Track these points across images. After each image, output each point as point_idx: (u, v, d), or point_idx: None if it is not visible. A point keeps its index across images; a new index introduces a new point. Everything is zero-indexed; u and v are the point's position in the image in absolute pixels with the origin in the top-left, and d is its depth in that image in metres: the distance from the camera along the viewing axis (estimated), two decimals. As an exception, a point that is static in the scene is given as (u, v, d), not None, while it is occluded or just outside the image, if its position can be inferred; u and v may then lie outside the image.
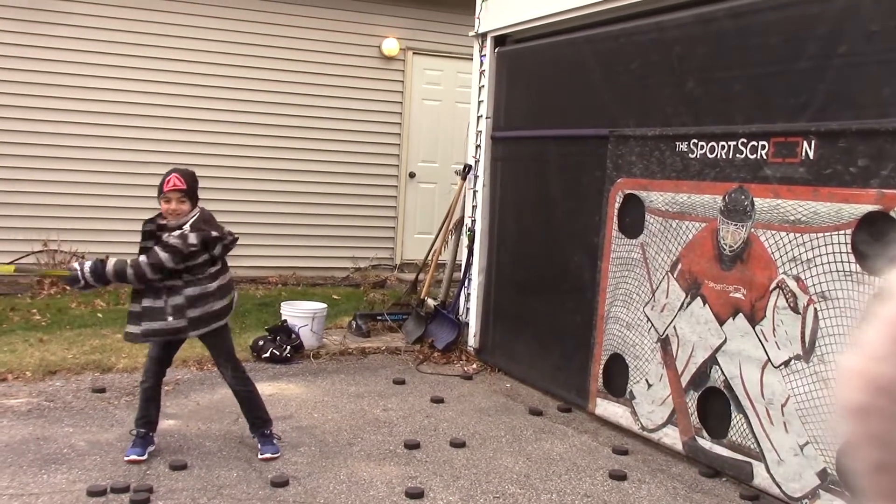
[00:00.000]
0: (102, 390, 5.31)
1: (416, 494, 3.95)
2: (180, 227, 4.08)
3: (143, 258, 4.04)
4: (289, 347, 6.27)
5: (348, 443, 4.65)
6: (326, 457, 4.41)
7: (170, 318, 4.11)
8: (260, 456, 4.23)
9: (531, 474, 4.34)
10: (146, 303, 4.12)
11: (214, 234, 4.14)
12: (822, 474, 3.83)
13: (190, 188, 4.15)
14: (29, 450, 4.28)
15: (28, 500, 3.70)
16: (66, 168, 8.34)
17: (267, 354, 6.21)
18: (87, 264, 4.05)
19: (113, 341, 6.33)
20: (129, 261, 4.06)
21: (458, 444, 4.69)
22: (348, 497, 3.92)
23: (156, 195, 4.20)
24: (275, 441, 4.34)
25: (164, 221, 4.16)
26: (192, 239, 4.05)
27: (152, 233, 4.17)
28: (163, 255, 4.00)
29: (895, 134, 3.55)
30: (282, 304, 6.83)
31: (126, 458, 4.17)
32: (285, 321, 6.51)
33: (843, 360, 0.73)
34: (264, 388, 5.24)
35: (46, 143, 8.26)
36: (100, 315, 7.16)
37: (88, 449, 4.33)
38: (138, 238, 4.31)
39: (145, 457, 4.20)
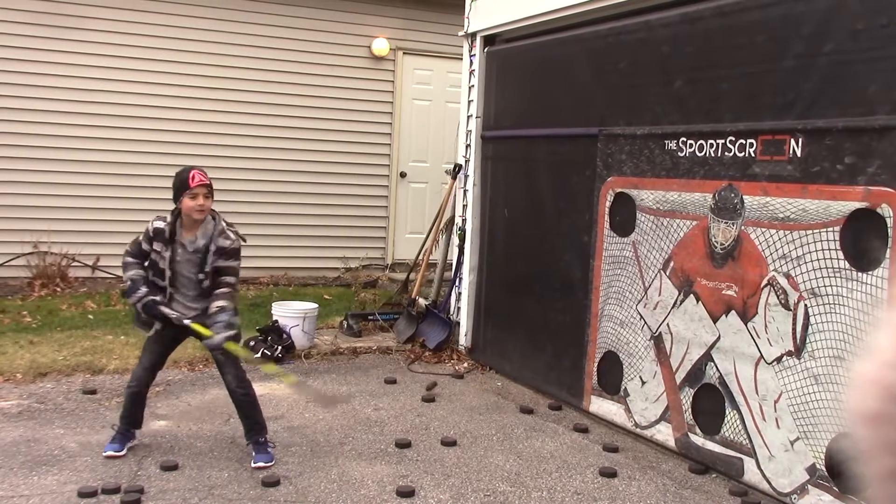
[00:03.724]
0: (93, 392, 5.30)
1: (407, 493, 3.95)
2: (222, 229, 4.13)
3: (231, 278, 4.14)
4: (280, 348, 6.27)
5: (339, 442, 4.65)
6: (317, 456, 4.41)
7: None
8: (253, 464, 4.19)
9: (522, 472, 4.35)
10: (196, 310, 4.21)
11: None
12: (812, 469, 3.85)
13: (211, 184, 4.18)
14: (20, 451, 4.27)
15: (18, 502, 3.69)
16: (57, 170, 8.31)
17: (258, 355, 6.19)
18: (235, 319, 4.13)
19: (103, 343, 6.31)
20: (226, 290, 4.12)
21: (449, 443, 4.69)
22: (339, 496, 3.92)
23: (172, 194, 4.17)
24: (269, 449, 4.30)
25: (187, 237, 4.13)
26: (240, 242, 4.21)
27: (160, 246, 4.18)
28: (236, 263, 4.17)
29: (881, 131, 3.58)
30: (273, 304, 6.82)
31: (104, 454, 4.19)
32: (276, 321, 6.50)
33: (857, 366, 0.73)
34: (255, 389, 5.23)
35: (36, 145, 8.23)
36: (90, 317, 7.14)
37: (79, 450, 4.32)
38: (128, 239, 4.30)
39: (123, 452, 4.22)
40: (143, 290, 4.14)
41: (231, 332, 4.09)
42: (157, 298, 4.13)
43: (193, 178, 4.06)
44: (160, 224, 4.17)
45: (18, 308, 7.29)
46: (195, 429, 4.74)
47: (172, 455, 4.29)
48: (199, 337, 4.16)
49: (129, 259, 4.22)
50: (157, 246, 4.16)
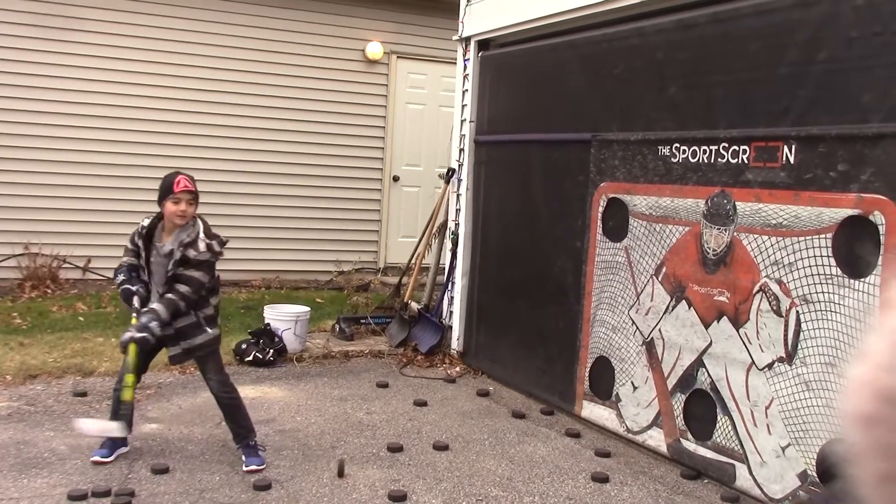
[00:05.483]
0: (84, 394, 5.27)
1: (399, 497, 3.95)
2: (192, 240, 4.04)
3: (184, 288, 4.01)
4: (272, 351, 6.25)
5: (331, 446, 4.64)
6: (309, 460, 4.40)
7: (208, 330, 4.17)
8: (245, 468, 4.17)
9: (514, 477, 4.35)
10: (180, 323, 4.12)
11: (224, 238, 4.21)
12: (803, 476, 3.86)
13: (197, 192, 4.15)
14: (9, 454, 4.24)
15: (8, 505, 3.67)
16: (48, 171, 8.27)
17: (250, 358, 6.18)
18: (152, 325, 3.95)
19: (94, 345, 6.28)
20: (172, 297, 4.00)
21: (441, 447, 4.69)
22: (331, 500, 3.91)
23: (156, 197, 4.14)
24: (260, 452, 4.28)
25: (165, 240, 4.09)
26: (217, 247, 4.11)
27: (146, 247, 4.15)
28: (198, 274, 4.05)
29: (874, 139, 3.59)
30: (265, 307, 6.80)
31: (91, 459, 4.19)
32: (268, 324, 6.49)
33: (850, 369, 0.73)
34: (247, 392, 5.22)
35: (27, 146, 8.19)
36: (81, 318, 7.11)
37: (69, 453, 4.29)
38: (119, 241, 4.28)
39: (112, 458, 4.21)
40: (121, 277, 4.18)
41: (137, 335, 3.97)
42: (133, 288, 4.12)
43: (178, 183, 4.05)
44: (146, 223, 4.21)
45: (9, 309, 7.25)
46: (186, 432, 4.72)
47: (163, 458, 4.28)
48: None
49: (127, 246, 4.25)
50: (140, 243, 4.18)
